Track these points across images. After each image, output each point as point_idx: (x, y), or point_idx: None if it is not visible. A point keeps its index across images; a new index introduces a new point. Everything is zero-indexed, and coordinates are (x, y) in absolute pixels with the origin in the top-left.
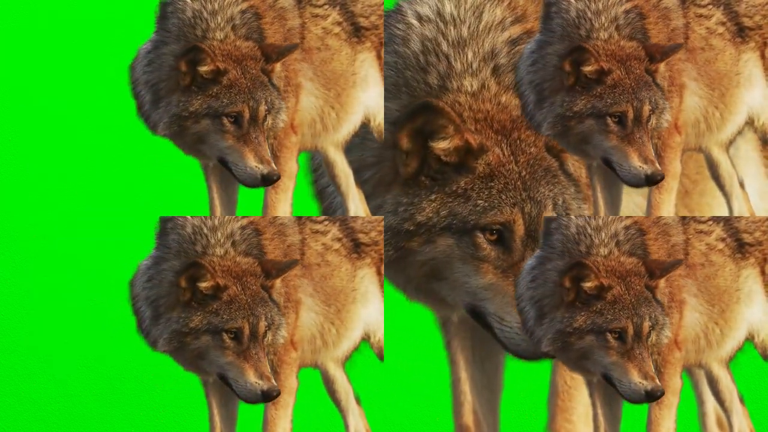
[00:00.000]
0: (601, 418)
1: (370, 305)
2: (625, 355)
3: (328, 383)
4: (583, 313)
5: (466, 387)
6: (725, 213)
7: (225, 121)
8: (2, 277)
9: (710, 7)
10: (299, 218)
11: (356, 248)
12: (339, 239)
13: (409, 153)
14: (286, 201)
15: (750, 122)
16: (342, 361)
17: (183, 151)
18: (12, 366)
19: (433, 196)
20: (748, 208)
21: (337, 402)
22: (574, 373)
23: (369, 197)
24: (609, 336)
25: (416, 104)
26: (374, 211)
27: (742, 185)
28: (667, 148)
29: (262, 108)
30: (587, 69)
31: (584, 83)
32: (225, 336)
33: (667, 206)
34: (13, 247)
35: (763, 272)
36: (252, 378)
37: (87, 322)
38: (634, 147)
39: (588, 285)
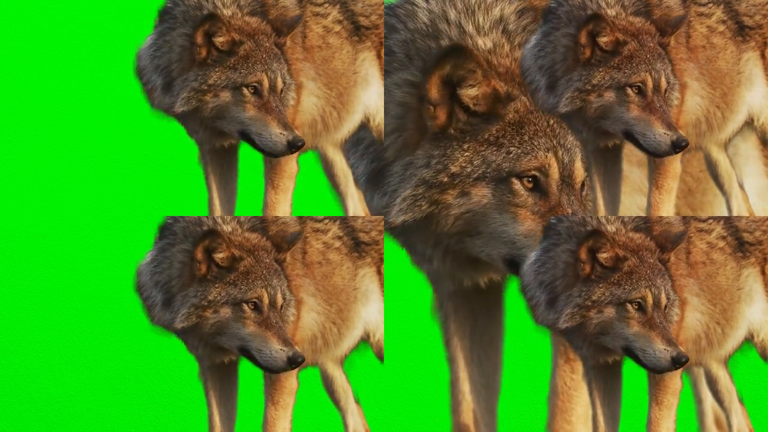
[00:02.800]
0: (600, 419)
1: (370, 305)
2: (647, 324)
3: (327, 383)
4: (601, 286)
5: (464, 386)
6: (726, 213)
7: (245, 91)
8: (2, 277)
9: (710, 5)
10: (300, 217)
11: (356, 247)
12: (339, 237)
13: (437, 105)
14: (286, 201)
15: (749, 122)
16: (341, 360)
17: (194, 134)
18: (12, 366)
19: (465, 146)
20: (747, 207)
21: (336, 401)
22: (587, 354)
23: (392, 162)
24: (629, 307)
25: (443, 48)
26: (403, 169)
27: (741, 185)
28: None
29: (280, 80)
30: (603, 40)
31: (600, 56)
32: (245, 307)
33: (667, 206)
34: (13, 248)
35: (763, 272)
36: (276, 345)
37: (87, 322)
38: (656, 115)
39: (604, 256)
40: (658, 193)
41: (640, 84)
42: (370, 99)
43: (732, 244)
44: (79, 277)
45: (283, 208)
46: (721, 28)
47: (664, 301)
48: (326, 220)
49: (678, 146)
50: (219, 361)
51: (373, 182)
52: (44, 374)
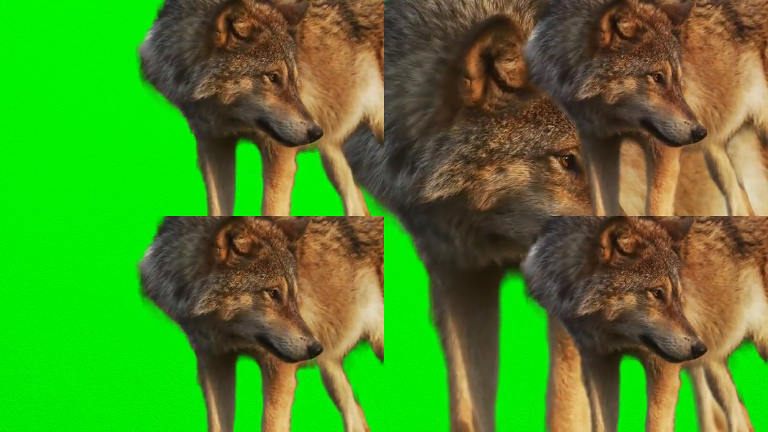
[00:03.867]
0: (599, 417)
1: (369, 305)
2: (666, 312)
3: (327, 382)
4: (622, 273)
5: (462, 384)
6: (724, 213)
7: (266, 79)
8: (2, 277)
9: (709, 6)
10: (299, 217)
11: (356, 247)
12: (338, 239)
13: (474, 78)
14: (285, 200)
15: (749, 122)
16: (340, 359)
17: (203, 123)
18: (12, 366)
19: (504, 122)
20: (747, 207)
21: (336, 401)
22: (599, 342)
23: (416, 141)
24: (650, 294)
25: (485, 20)
26: (437, 144)
27: (741, 185)
28: (665, 148)
29: (295, 68)
30: (625, 25)
31: (619, 43)
32: (266, 294)
33: (666, 205)
34: (13, 248)
35: (762, 272)
36: (297, 334)
37: (87, 322)
38: (676, 104)
39: (625, 241)
40: (657, 192)
41: (660, 72)
42: (369, 99)
43: (730, 245)
44: (79, 277)
45: (282, 207)
46: (719, 29)
47: (680, 289)
48: (325, 221)
49: (697, 135)
50: (228, 349)
51: (395, 162)
52: (44, 374)
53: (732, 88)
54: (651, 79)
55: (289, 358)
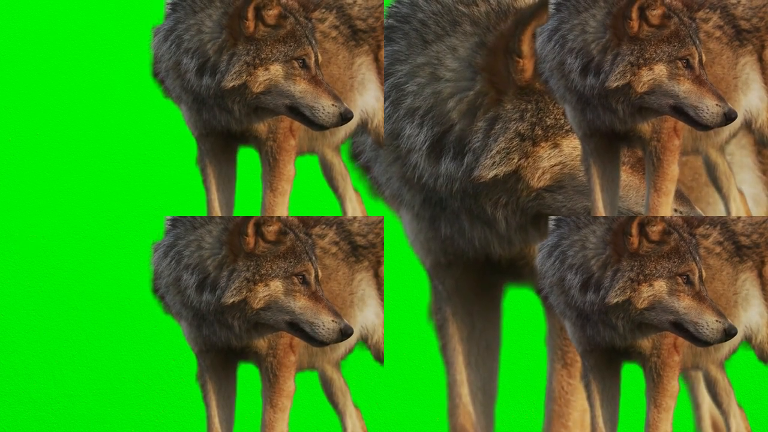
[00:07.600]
0: (599, 420)
1: (366, 308)
2: (696, 297)
3: (326, 385)
4: (652, 259)
5: (462, 390)
6: (725, 215)
7: (295, 64)
8: (2, 277)
9: (707, 10)
10: (301, 218)
11: (354, 251)
12: (336, 243)
13: (526, 58)
14: (284, 204)
15: (747, 125)
16: (337, 362)
17: (218, 118)
18: (12, 366)
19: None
20: (746, 210)
21: (334, 404)
22: (623, 331)
23: (457, 123)
24: (679, 280)
25: (539, 1)
26: (489, 124)
27: (739, 189)
28: (666, 151)
29: (319, 54)
30: (654, 13)
31: (647, 31)
32: (295, 280)
33: (665, 209)
34: (13, 248)
35: (760, 275)
36: (329, 317)
37: (87, 322)
38: (706, 88)
39: (654, 229)
40: (657, 195)
41: (688, 57)
42: (366, 103)
43: (729, 249)
44: (79, 277)
45: (282, 210)
46: (718, 33)
47: (704, 274)
48: (323, 225)
49: (730, 118)
50: (247, 341)
51: (436, 148)
52: (44, 374)
53: (730, 91)
54: (680, 64)
55: (322, 342)
